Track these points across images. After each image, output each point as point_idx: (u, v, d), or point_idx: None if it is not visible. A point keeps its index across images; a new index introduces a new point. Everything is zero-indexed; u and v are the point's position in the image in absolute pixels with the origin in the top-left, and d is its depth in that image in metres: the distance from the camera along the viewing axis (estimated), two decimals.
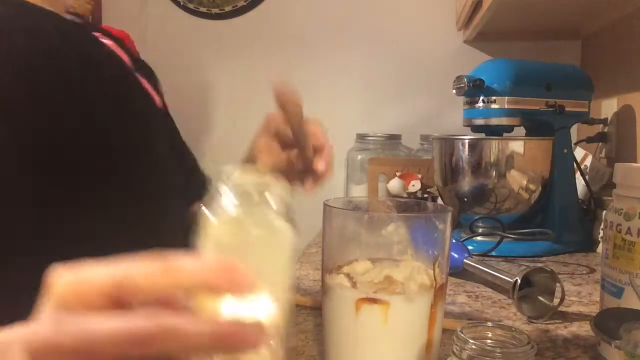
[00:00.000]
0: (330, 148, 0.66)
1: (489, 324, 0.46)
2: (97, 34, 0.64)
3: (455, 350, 0.43)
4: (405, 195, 1.28)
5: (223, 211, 0.33)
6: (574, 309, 0.71)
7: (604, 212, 0.55)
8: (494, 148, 0.99)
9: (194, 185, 0.72)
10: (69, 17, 0.61)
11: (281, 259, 0.33)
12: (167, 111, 0.73)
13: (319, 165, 0.64)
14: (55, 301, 0.28)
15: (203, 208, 0.33)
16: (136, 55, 0.71)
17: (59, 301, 0.28)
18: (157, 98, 0.67)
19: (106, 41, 0.64)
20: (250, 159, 0.68)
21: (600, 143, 1.25)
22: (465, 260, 0.81)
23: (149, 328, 0.26)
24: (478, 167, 1.00)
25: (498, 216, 1.00)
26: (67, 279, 0.28)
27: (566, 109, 1.03)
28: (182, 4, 1.76)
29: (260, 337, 0.28)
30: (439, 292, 0.46)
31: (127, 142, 0.56)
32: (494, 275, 0.75)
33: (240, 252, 0.32)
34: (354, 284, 0.45)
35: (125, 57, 0.65)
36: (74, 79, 0.52)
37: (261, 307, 0.30)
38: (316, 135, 0.66)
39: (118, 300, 0.27)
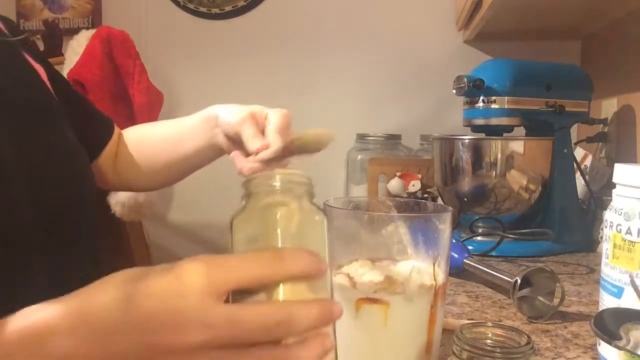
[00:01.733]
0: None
1: (489, 324, 0.46)
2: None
3: (455, 350, 0.43)
4: (405, 195, 1.28)
5: (282, 202, 0.37)
6: (574, 309, 0.71)
7: (604, 212, 0.55)
8: (494, 148, 0.99)
9: (98, 132, 0.79)
10: None
11: (324, 239, 0.38)
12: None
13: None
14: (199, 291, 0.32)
15: (266, 201, 0.37)
16: (15, 25, 0.73)
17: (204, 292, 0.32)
18: (40, 71, 0.69)
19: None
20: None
21: (600, 143, 1.25)
22: (465, 260, 0.81)
23: (283, 315, 0.32)
24: (478, 167, 1.00)
25: (498, 216, 1.00)
26: (205, 271, 0.33)
27: (566, 109, 1.03)
28: (182, 4, 1.76)
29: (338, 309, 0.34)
30: (439, 292, 0.46)
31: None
32: (494, 275, 0.75)
33: (309, 237, 0.37)
34: (354, 284, 0.45)
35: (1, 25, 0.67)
36: None
37: (326, 285, 0.37)
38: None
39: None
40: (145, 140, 0.82)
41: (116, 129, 0.84)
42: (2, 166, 0.53)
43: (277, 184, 0.38)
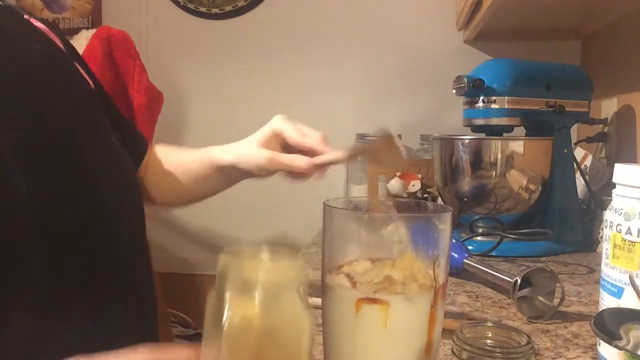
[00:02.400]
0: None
1: (489, 324, 0.46)
2: (28, 17, 0.64)
3: (455, 350, 0.43)
4: (405, 195, 1.28)
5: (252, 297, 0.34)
6: (574, 309, 0.71)
7: (604, 212, 0.55)
8: (494, 148, 0.99)
9: (135, 150, 0.77)
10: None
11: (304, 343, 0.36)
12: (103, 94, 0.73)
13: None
14: None
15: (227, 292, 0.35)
16: (67, 39, 0.71)
17: None
18: (90, 81, 0.68)
19: (38, 24, 0.64)
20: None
21: (600, 143, 1.25)
22: (465, 260, 0.81)
23: None
24: (478, 167, 1.00)
25: (498, 216, 1.00)
26: None
27: (566, 109, 1.03)
28: (182, 4, 1.76)
29: None
30: (439, 292, 0.46)
31: (71, 126, 0.58)
32: (494, 275, 0.75)
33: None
34: (354, 284, 0.45)
35: (58, 41, 0.66)
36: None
37: None
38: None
39: None
40: (171, 166, 0.80)
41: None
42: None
43: (257, 292, 0.34)
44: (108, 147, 0.62)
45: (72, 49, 0.71)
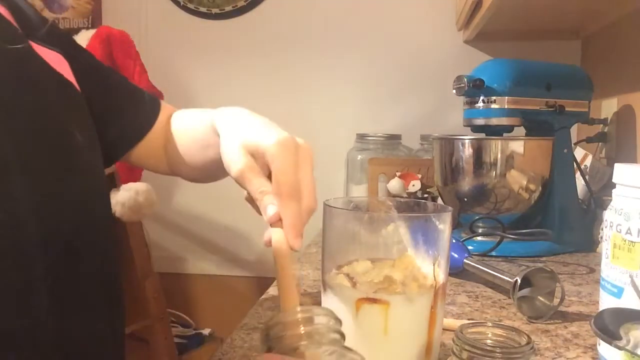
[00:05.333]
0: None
1: (489, 324, 0.46)
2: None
3: (455, 350, 0.43)
4: (405, 195, 1.28)
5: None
6: (574, 309, 0.71)
7: (604, 212, 0.55)
8: (494, 148, 0.99)
9: (142, 116, 0.73)
10: None
11: None
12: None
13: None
14: None
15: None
16: (33, 15, 0.64)
17: None
18: (54, 67, 0.60)
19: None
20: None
21: (600, 143, 1.25)
22: (465, 260, 0.81)
23: None
24: (478, 167, 1.00)
25: (498, 216, 1.00)
26: None
27: (566, 109, 1.03)
28: (182, 4, 1.76)
29: None
30: (439, 292, 0.46)
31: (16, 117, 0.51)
32: (494, 275, 0.75)
33: None
34: (354, 284, 0.45)
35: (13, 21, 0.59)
36: None
37: None
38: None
39: None
40: (181, 133, 0.73)
41: (164, 109, 0.76)
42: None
43: (303, 343, 0.34)
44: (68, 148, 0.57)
45: (44, 23, 0.63)
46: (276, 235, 0.46)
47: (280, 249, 0.45)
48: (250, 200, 0.51)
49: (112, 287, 0.61)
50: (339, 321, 0.36)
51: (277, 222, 0.46)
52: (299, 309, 0.36)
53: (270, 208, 0.47)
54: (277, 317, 0.35)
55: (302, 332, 0.34)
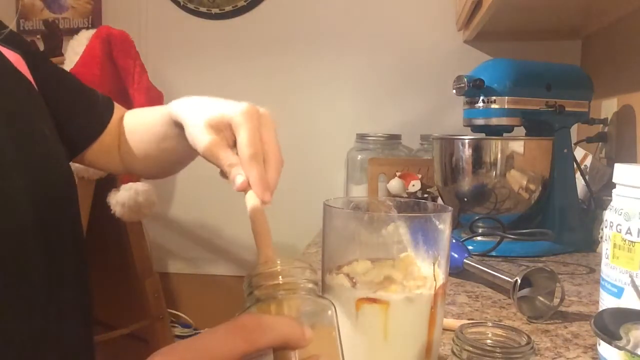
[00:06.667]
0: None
1: (489, 324, 0.46)
2: None
3: (455, 350, 0.43)
4: (405, 195, 1.28)
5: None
6: (574, 309, 0.71)
7: (604, 212, 0.55)
8: (494, 148, 0.99)
9: (97, 118, 0.75)
10: None
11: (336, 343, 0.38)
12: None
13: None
14: None
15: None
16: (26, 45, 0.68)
17: None
18: (9, 59, 0.63)
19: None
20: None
21: (600, 143, 1.25)
22: (465, 260, 0.81)
23: None
24: (478, 167, 1.00)
25: (498, 216, 1.00)
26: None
27: (566, 109, 1.03)
28: (182, 4, 1.76)
29: None
30: (439, 292, 0.46)
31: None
32: (494, 275, 0.75)
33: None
34: (354, 284, 0.45)
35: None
36: None
37: None
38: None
39: None
40: (135, 129, 0.76)
41: (117, 110, 0.79)
42: None
43: (281, 292, 0.37)
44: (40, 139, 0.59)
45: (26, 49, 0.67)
46: (249, 197, 0.49)
47: (254, 208, 0.48)
48: (224, 175, 0.53)
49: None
50: (313, 272, 0.39)
51: (246, 188, 0.49)
52: (278, 261, 0.39)
53: (238, 178, 0.50)
54: (258, 268, 0.38)
55: (280, 282, 0.37)
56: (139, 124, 0.76)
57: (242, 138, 0.51)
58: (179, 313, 1.84)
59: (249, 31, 1.74)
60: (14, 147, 0.54)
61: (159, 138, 0.70)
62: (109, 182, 1.52)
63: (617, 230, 0.51)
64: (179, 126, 0.61)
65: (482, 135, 1.04)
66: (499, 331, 0.44)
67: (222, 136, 0.53)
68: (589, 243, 1.03)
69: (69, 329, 0.58)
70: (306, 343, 0.35)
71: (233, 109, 0.53)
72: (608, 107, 1.23)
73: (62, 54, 1.70)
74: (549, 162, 1.01)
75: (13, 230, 0.50)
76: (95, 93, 0.79)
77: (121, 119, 0.78)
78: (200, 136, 0.53)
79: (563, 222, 1.03)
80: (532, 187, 1.00)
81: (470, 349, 0.42)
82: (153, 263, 1.71)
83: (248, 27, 1.75)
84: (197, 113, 0.56)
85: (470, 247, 0.89)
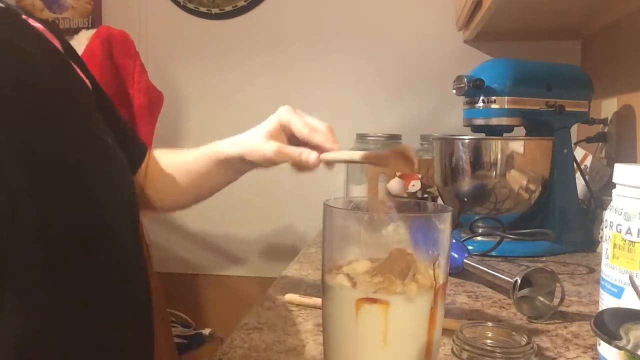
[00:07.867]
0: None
1: (489, 324, 0.46)
2: (26, 17, 0.63)
3: (455, 350, 0.43)
4: (405, 195, 1.28)
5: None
6: (574, 309, 0.71)
7: (604, 212, 0.55)
8: (494, 148, 0.99)
9: (132, 153, 0.77)
10: None
11: None
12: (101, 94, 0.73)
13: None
14: None
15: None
16: (66, 40, 0.71)
17: None
18: (87, 82, 0.67)
19: (36, 25, 0.63)
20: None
21: (600, 143, 1.25)
22: (465, 260, 0.81)
23: None
24: (478, 167, 1.00)
25: (498, 216, 1.00)
26: None
27: (566, 109, 1.03)
28: (182, 4, 1.76)
29: None
30: (439, 292, 0.46)
31: (71, 129, 0.57)
32: (494, 275, 0.75)
33: None
34: (354, 284, 0.45)
35: (56, 42, 0.65)
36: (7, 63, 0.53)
37: None
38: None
39: None
40: (176, 171, 0.80)
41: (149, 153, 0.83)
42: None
43: None
44: (102, 148, 0.62)
45: (71, 50, 0.70)
46: (329, 156, 0.64)
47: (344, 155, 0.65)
48: (297, 167, 0.66)
49: (125, 289, 0.62)
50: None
51: (319, 161, 0.64)
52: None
53: (311, 156, 0.63)
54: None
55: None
56: (175, 163, 0.80)
57: (297, 124, 0.66)
58: (179, 313, 1.84)
59: (249, 31, 1.74)
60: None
61: (199, 175, 0.77)
62: None
63: (617, 230, 0.51)
64: (227, 162, 0.72)
65: (482, 135, 1.04)
66: (499, 331, 0.44)
67: (280, 140, 0.66)
68: (589, 243, 1.03)
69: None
70: None
71: (276, 115, 0.68)
72: (608, 107, 1.23)
73: None
74: (549, 162, 1.01)
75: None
76: (135, 132, 0.83)
77: (149, 157, 0.81)
78: (265, 145, 0.66)
79: (563, 222, 1.03)
80: (532, 187, 1.00)
81: (470, 349, 0.42)
82: (153, 263, 1.71)
83: (248, 27, 1.75)
84: (250, 134, 0.69)
85: (470, 247, 0.89)
